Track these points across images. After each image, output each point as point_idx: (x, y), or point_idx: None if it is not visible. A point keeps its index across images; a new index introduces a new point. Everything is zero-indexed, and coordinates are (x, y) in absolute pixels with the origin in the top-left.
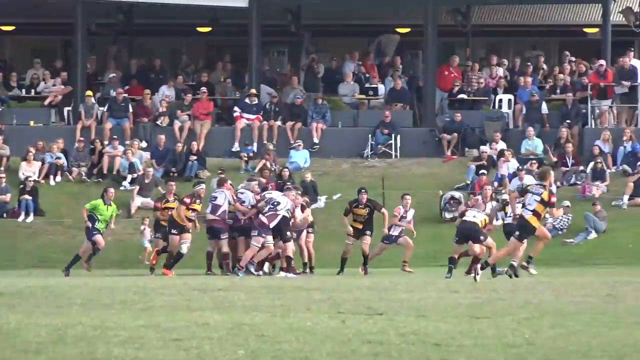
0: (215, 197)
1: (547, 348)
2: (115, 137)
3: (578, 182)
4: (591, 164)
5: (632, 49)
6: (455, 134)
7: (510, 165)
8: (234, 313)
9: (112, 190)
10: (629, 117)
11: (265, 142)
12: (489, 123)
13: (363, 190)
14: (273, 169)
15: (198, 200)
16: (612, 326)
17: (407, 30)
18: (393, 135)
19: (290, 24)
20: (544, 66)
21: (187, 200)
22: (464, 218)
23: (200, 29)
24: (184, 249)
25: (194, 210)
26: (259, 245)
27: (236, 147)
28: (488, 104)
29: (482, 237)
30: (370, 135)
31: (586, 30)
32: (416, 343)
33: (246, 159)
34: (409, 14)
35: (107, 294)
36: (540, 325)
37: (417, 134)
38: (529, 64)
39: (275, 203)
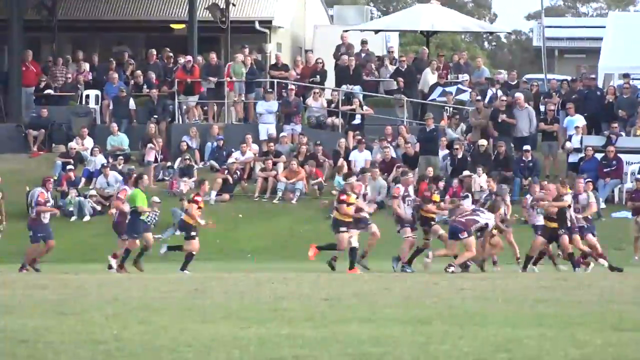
0: None
1: (135, 343)
2: None
3: (166, 178)
4: (179, 160)
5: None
6: (42, 130)
7: (97, 160)
8: None
9: None
10: (216, 113)
11: None
12: (76, 119)
13: None
14: None
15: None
16: (199, 321)
17: None
18: None
19: None
20: (132, 62)
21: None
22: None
23: None
24: None
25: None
26: None
27: None
28: (75, 99)
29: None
30: None
31: (173, 26)
32: (3, 340)
33: None
34: None
35: None
36: (128, 321)
37: (3, 130)
38: (112, 60)
39: None
